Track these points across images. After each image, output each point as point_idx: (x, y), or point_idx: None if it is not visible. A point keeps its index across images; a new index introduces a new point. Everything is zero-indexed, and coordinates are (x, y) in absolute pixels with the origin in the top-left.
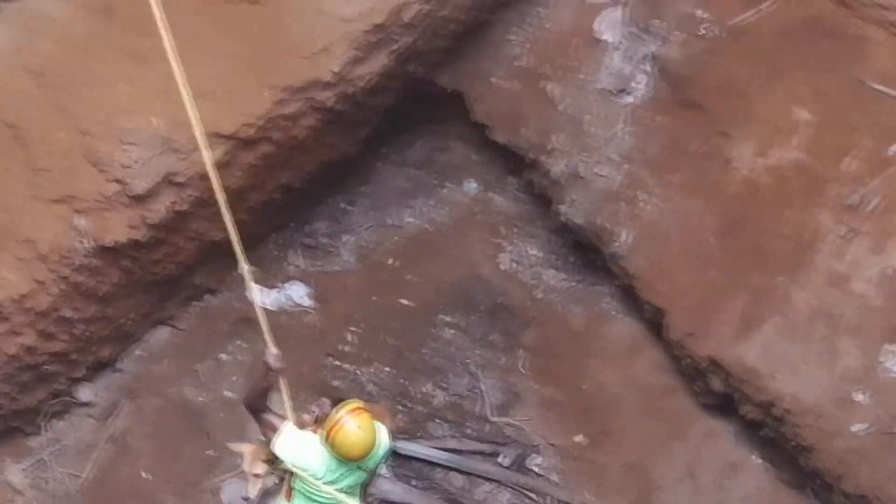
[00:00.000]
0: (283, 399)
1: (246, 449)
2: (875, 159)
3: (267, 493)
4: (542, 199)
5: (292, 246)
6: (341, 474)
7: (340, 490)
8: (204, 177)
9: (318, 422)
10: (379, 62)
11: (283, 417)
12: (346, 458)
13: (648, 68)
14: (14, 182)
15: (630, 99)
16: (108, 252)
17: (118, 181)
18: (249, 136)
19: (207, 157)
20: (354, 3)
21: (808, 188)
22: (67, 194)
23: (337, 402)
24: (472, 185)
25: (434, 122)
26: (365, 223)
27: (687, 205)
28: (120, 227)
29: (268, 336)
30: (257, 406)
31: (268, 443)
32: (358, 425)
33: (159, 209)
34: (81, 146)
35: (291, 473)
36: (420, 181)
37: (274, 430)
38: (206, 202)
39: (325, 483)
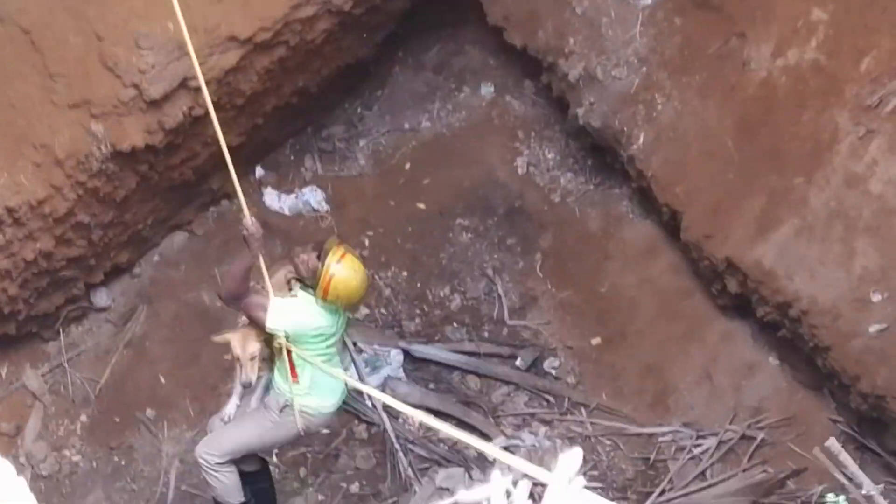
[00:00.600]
0: (263, 276)
1: (232, 337)
2: (894, 60)
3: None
4: (559, 103)
5: (308, 150)
6: (338, 322)
7: (339, 339)
8: (220, 81)
9: (301, 277)
10: None
11: (263, 294)
12: (349, 305)
13: None
14: (30, 87)
15: (647, 1)
16: (125, 157)
17: (134, 86)
18: (265, 40)
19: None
20: None
21: (826, 89)
22: (83, 99)
23: (319, 250)
24: (488, 89)
25: (450, 25)
26: (381, 127)
27: (704, 106)
28: (136, 132)
29: (244, 205)
30: (240, 291)
31: (255, 327)
32: (352, 268)
33: (175, 114)
34: (97, 51)
35: (289, 352)
36: (436, 85)
37: (262, 309)
38: (222, 107)
39: (328, 337)
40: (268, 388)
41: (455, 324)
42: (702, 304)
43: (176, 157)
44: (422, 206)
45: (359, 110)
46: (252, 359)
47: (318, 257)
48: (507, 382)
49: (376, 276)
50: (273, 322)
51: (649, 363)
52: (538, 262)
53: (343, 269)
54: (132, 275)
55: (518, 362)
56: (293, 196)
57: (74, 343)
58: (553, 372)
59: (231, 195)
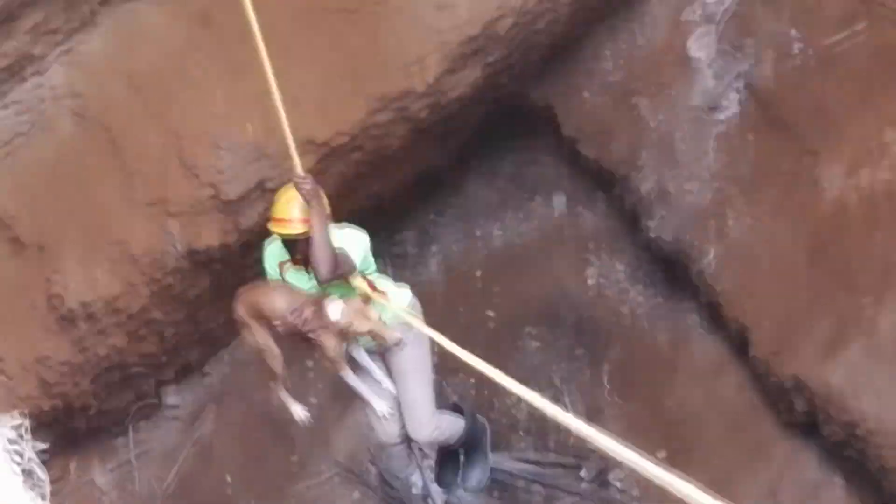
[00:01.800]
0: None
1: (348, 321)
2: None
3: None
4: (631, 216)
5: (381, 255)
6: None
7: None
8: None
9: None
10: (472, 74)
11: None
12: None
13: (740, 87)
14: (109, 184)
15: (721, 117)
16: (200, 256)
17: (211, 186)
18: (342, 145)
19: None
20: (449, 15)
21: None
22: (160, 198)
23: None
24: (560, 200)
25: (524, 136)
26: (453, 235)
27: (775, 224)
28: (212, 232)
29: (296, 160)
30: (334, 255)
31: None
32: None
33: (251, 215)
34: (175, 151)
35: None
36: (509, 195)
37: (346, 259)
38: None
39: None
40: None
41: (521, 432)
42: (768, 422)
43: (249, 257)
44: (491, 313)
45: (431, 217)
46: (380, 319)
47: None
48: (572, 493)
49: (444, 383)
50: (357, 252)
51: (714, 479)
52: (605, 373)
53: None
54: (202, 374)
55: (583, 473)
56: None
57: (143, 440)
58: (618, 484)
59: None
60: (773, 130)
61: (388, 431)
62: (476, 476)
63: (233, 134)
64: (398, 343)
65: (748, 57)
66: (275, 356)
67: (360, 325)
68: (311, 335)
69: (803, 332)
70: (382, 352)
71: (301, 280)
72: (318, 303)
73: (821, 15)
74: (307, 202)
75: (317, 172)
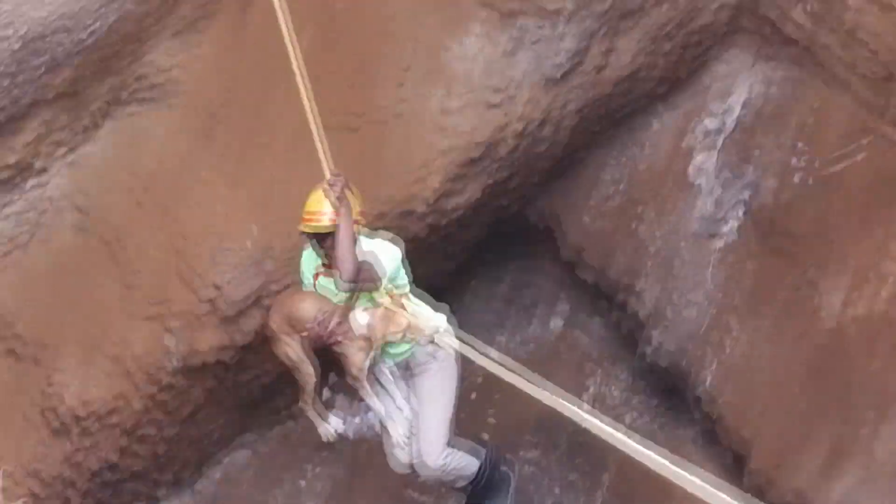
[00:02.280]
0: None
1: (381, 326)
2: None
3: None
4: (628, 339)
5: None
6: None
7: None
8: None
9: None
10: (472, 195)
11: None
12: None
13: (740, 213)
14: (107, 295)
15: (720, 243)
16: (196, 370)
17: (209, 300)
18: None
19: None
20: (451, 135)
21: (895, 341)
22: (158, 311)
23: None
24: (557, 322)
25: (523, 256)
26: None
27: (773, 351)
28: (209, 347)
29: (324, 158)
30: (357, 259)
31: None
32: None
33: (249, 330)
34: (175, 263)
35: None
36: (506, 315)
37: (371, 270)
38: None
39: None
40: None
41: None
42: None
43: (245, 374)
44: (486, 436)
45: None
46: (409, 325)
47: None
48: None
49: None
50: (388, 263)
51: None
52: (600, 499)
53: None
54: (194, 490)
55: None
56: (356, 418)
57: None
58: None
59: (296, 416)
60: (772, 256)
61: (401, 460)
62: None
63: (231, 248)
64: (435, 332)
65: (749, 184)
66: (308, 372)
67: (392, 328)
68: (335, 347)
69: (799, 460)
70: (408, 373)
71: (331, 288)
72: (345, 312)
73: (822, 141)
74: (336, 203)
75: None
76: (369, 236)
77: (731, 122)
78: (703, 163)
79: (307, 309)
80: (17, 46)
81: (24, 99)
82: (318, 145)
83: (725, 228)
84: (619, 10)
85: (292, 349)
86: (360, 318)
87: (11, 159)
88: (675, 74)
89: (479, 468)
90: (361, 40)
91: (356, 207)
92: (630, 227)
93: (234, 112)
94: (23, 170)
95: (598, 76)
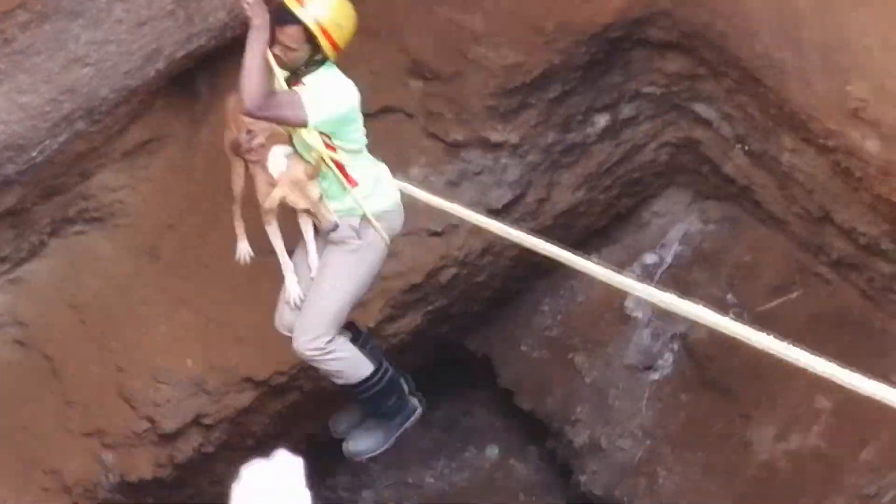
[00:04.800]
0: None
1: (282, 190)
2: (893, 452)
3: None
4: (563, 469)
5: (314, 494)
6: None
7: None
8: (232, 420)
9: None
10: (412, 321)
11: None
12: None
13: (676, 347)
14: (46, 413)
15: (656, 376)
16: (133, 488)
17: (148, 418)
18: (280, 384)
19: None
20: (393, 262)
21: (825, 476)
22: (97, 428)
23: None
24: (493, 451)
25: (460, 384)
26: (385, 480)
27: (705, 483)
28: (146, 465)
29: None
30: (266, 87)
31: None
32: None
33: (187, 449)
34: (115, 382)
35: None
36: (443, 443)
37: (298, 104)
38: (233, 446)
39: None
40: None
41: None
42: None
43: (182, 493)
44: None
45: (365, 462)
46: (320, 199)
47: (282, 22)
48: None
49: None
50: (316, 113)
51: None
52: None
53: (324, 5)
54: None
55: None
56: None
57: None
58: None
59: None
60: (706, 391)
61: (284, 320)
62: (364, 443)
63: (172, 367)
64: (333, 227)
65: (685, 318)
66: (237, 172)
67: (293, 195)
68: (249, 165)
69: None
70: (324, 238)
71: None
72: (274, 140)
73: (757, 281)
74: (247, 12)
75: (252, 410)
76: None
77: (668, 257)
78: (640, 300)
79: (237, 111)
80: None
81: None
82: None
83: (661, 361)
84: (562, 146)
85: (226, 137)
86: (276, 160)
87: None
88: (615, 210)
89: (371, 375)
90: None
91: (341, 35)
92: (567, 357)
93: (181, 234)
94: None
95: (540, 209)
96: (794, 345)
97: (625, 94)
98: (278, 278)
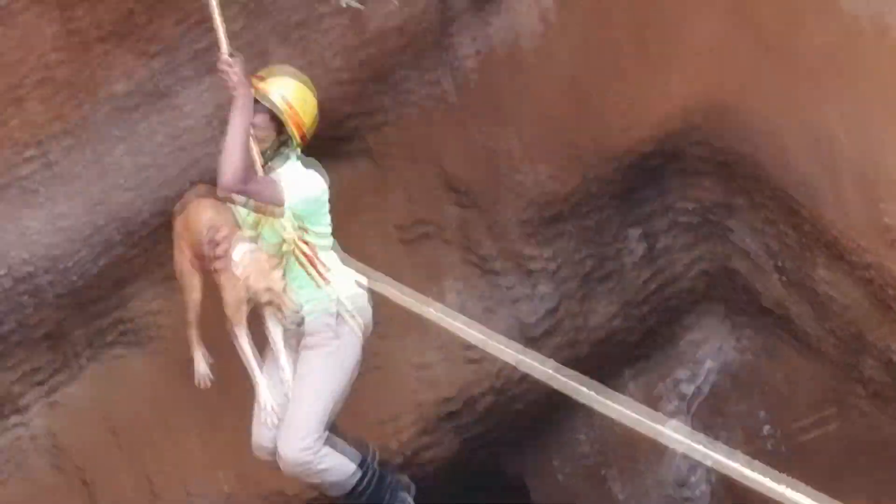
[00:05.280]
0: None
1: (245, 274)
2: None
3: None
4: None
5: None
6: None
7: None
8: None
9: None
10: (449, 448)
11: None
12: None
13: (713, 479)
14: None
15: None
16: None
17: None
18: (312, 499)
19: None
20: (430, 388)
21: None
22: None
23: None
24: None
25: None
26: None
27: None
28: None
29: (221, 35)
30: (246, 164)
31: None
32: (292, 76)
33: None
34: (147, 497)
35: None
36: None
37: (276, 185)
38: None
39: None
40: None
41: None
42: None
43: None
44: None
45: None
46: (284, 289)
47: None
48: None
49: None
50: (292, 193)
51: None
52: None
53: (287, 84)
54: None
55: None
56: None
57: None
58: None
59: None
60: None
61: (261, 438)
62: None
63: (205, 484)
64: (296, 317)
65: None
66: (191, 291)
67: (256, 282)
68: (214, 275)
69: None
70: (294, 346)
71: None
72: (237, 238)
73: (794, 410)
74: (230, 90)
75: None
76: (303, 163)
77: (704, 386)
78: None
79: (203, 220)
80: (7, 285)
81: (12, 337)
82: (217, 24)
83: (698, 492)
84: (599, 273)
85: (177, 260)
86: (238, 251)
87: None
88: (651, 335)
89: (359, 478)
90: None
91: (305, 119)
92: (603, 486)
93: (214, 356)
94: (3, 407)
95: (576, 336)
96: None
97: (661, 220)
98: None
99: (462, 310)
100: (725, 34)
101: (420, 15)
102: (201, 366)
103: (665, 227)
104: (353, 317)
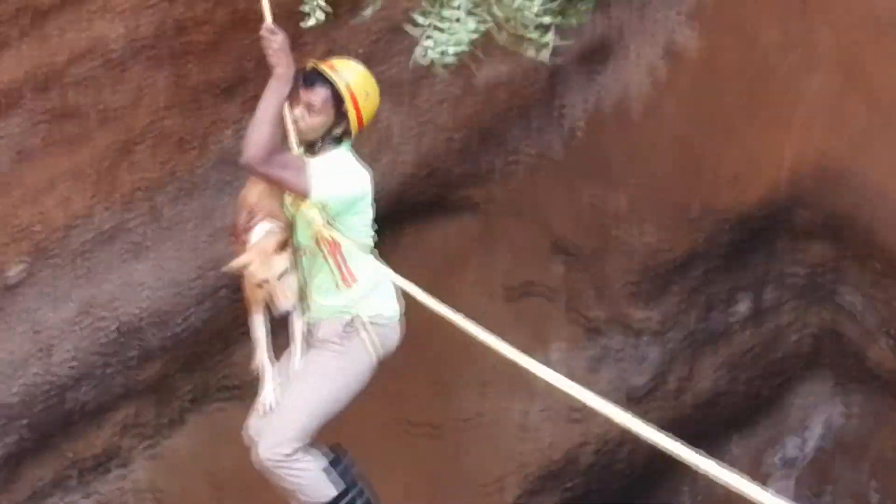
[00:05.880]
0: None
1: (248, 258)
2: None
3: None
4: None
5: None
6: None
7: None
8: None
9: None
10: (549, 501)
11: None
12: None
13: None
14: None
15: None
16: None
17: None
18: None
19: None
20: (532, 440)
21: None
22: None
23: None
24: None
25: None
26: None
27: None
28: None
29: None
30: (273, 142)
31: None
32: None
33: None
34: None
35: (334, 244)
36: None
37: (302, 170)
38: None
39: (371, 203)
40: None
41: None
42: None
43: None
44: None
45: None
46: (282, 277)
47: (310, 83)
48: None
49: None
50: (320, 187)
51: None
52: None
53: (354, 72)
54: None
55: None
56: None
57: None
58: None
59: None
60: None
61: (251, 428)
62: None
63: None
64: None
65: None
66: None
67: (255, 269)
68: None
69: None
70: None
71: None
72: (266, 217)
73: None
74: (270, 62)
75: None
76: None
77: (809, 450)
78: (781, 490)
79: (244, 202)
80: (113, 336)
81: (116, 389)
82: None
83: None
84: (704, 334)
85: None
86: (257, 232)
87: (98, 448)
88: (755, 395)
89: (335, 499)
90: (447, 346)
91: (364, 112)
92: None
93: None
94: (107, 459)
95: (680, 395)
96: None
97: (768, 279)
98: (414, 449)
99: (567, 368)
100: (837, 93)
101: (528, 71)
102: (268, 395)
103: (773, 289)
104: (367, 332)
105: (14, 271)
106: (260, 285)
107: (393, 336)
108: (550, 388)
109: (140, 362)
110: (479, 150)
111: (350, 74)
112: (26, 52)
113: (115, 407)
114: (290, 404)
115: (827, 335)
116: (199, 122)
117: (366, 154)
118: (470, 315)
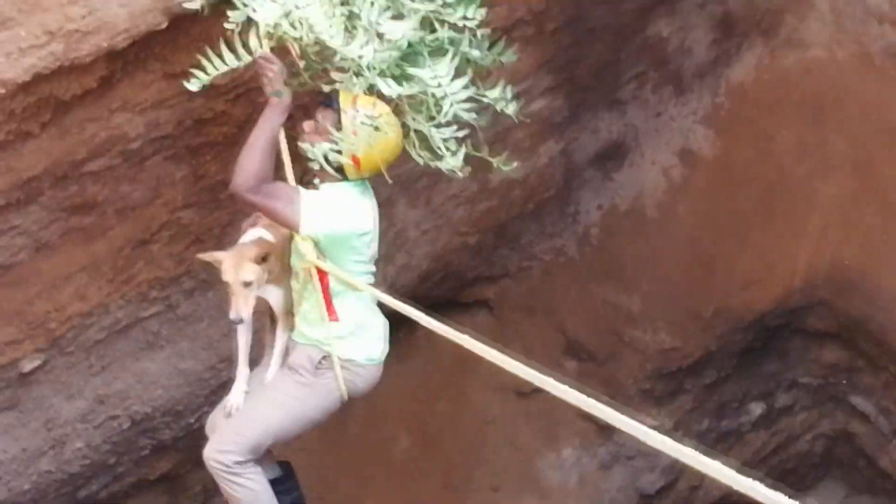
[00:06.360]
0: (284, 157)
1: (224, 257)
2: None
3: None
4: None
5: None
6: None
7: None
8: None
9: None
10: None
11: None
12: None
13: None
14: None
15: None
16: None
17: None
18: None
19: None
20: None
21: None
22: None
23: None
24: None
25: None
26: None
27: None
28: None
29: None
30: (265, 171)
31: (253, 249)
32: (382, 112)
33: None
34: None
35: (323, 275)
36: None
37: (292, 201)
38: None
39: (371, 242)
40: (287, 350)
41: None
42: None
43: None
44: None
45: None
46: (246, 286)
47: (327, 104)
48: None
49: None
50: (310, 221)
51: None
52: None
53: (366, 104)
54: None
55: None
56: None
57: None
58: None
59: None
60: None
61: (211, 422)
62: None
63: None
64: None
65: None
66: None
67: (226, 268)
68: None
69: None
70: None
71: None
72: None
73: None
74: (265, 89)
75: None
76: (360, 190)
77: None
78: None
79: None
80: (126, 426)
81: (128, 478)
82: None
83: None
84: (716, 433)
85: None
86: (249, 234)
87: None
88: None
89: None
90: (458, 443)
91: (371, 150)
92: None
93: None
94: None
95: (692, 497)
96: None
97: (781, 383)
98: None
99: (579, 467)
100: (851, 199)
101: (543, 170)
102: (236, 396)
103: (784, 389)
104: (339, 372)
105: (29, 363)
106: (227, 282)
107: (369, 378)
108: (563, 486)
109: (152, 457)
110: (494, 250)
111: (363, 106)
112: (46, 145)
113: (126, 497)
114: (245, 417)
115: (840, 439)
116: (215, 219)
117: (381, 252)
118: (482, 413)
